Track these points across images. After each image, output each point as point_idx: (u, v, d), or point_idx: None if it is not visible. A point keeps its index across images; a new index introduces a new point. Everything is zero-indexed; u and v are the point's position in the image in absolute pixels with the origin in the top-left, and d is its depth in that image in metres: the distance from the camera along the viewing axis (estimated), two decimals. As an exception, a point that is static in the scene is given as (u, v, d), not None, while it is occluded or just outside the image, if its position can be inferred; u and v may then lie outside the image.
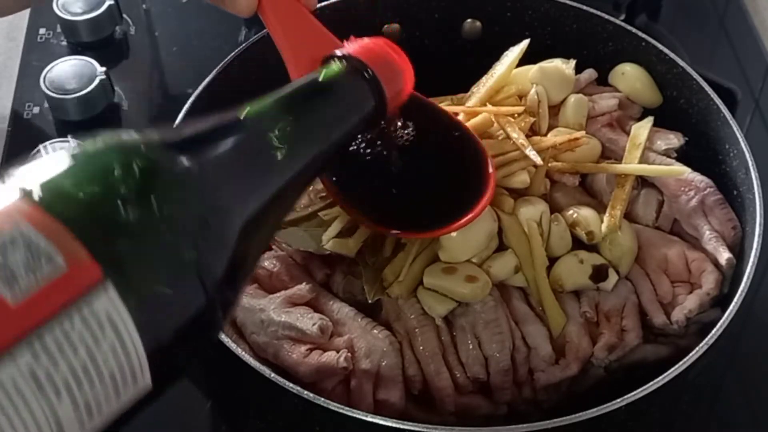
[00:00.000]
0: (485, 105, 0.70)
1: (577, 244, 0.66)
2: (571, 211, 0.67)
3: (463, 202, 0.61)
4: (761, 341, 0.75)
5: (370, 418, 0.55)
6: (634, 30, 0.75)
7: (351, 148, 0.58)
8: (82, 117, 0.86)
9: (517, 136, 0.67)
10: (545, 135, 0.70)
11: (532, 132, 0.70)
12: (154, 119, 0.88)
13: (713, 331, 0.59)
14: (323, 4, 0.76)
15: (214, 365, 0.66)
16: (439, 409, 0.61)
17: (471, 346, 0.62)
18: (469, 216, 0.60)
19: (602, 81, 0.76)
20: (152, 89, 0.92)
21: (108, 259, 0.37)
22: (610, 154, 0.71)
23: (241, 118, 0.47)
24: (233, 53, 0.73)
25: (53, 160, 0.40)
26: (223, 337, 0.58)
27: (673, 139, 0.71)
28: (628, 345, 0.63)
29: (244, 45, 0.73)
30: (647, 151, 0.70)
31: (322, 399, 0.55)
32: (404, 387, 0.61)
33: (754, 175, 0.66)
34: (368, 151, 0.60)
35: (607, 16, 0.76)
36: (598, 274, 0.64)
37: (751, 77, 0.93)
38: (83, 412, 0.36)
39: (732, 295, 0.61)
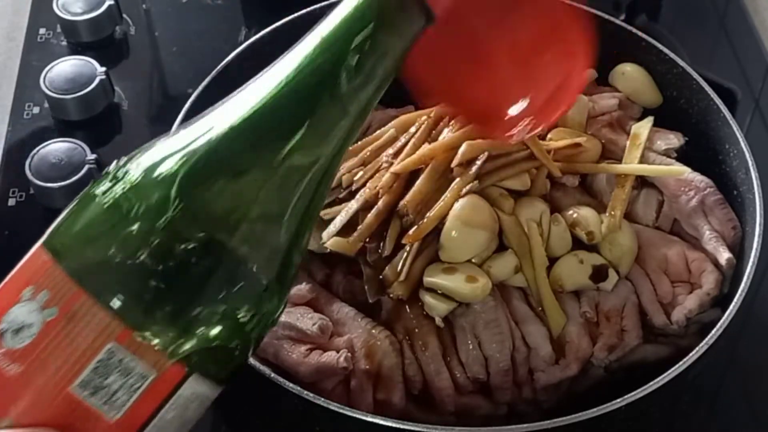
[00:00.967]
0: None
1: (577, 244, 0.66)
2: (571, 212, 0.67)
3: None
4: (761, 341, 0.75)
5: (370, 418, 0.55)
6: (634, 30, 0.75)
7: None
8: (82, 117, 0.86)
9: (537, 149, 0.67)
10: (545, 135, 0.70)
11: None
12: (153, 119, 0.88)
13: (713, 331, 0.59)
14: (323, 4, 0.76)
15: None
16: (439, 409, 0.61)
17: (471, 346, 0.62)
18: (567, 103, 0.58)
19: (602, 81, 0.76)
20: (152, 89, 0.92)
21: (188, 359, 0.42)
22: (610, 154, 0.71)
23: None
24: (233, 53, 0.73)
25: (134, 268, 0.42)
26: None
27: (673, 139, 0.71)
28: (628, 345, 0.63)
29: (244, 45, 0.73)
30: (647, 151, 0.70)
31: (322, 399, 0.55)
32: (404, 387, 0.61)
33: (754, 175, 0.66)
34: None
35: (607, 16, 0.76)
36: (598, 274, 0.64)
37: (751, 77, 0.93)
38: None
39: (732, 295, 0.61)
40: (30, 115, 0.88)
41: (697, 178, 0.68)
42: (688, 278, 0.66)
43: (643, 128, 0.71)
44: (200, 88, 0.70)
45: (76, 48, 0.93)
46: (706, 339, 0.59)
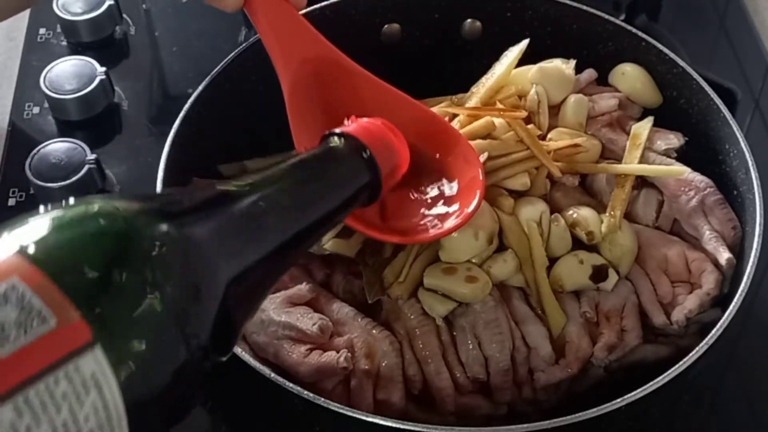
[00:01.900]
0: (487, 105, 0.70)
1: (577, 244, 0.66)
2: (571, 212, 0.67)
3: (455, 207, 0.61)
4: (761, 341, 0.75)
5: (370, 418, 0.55)
6: (634, 30, 0.75)
7: None
8: (82, 117, 0.86)
9: (538, 149, 0.67)
10: (545, 135, 0.70)
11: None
12: (153, 119, 0.88)
13: (713, 331, 0.59)
14: (323, 4, 0.76)
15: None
16: (439, 409, 0.61)
17: (471, 346, 0.62)
18: (458, 222, 0.60)
19: (602, 81, 0.76)
20: (152, 89, 0.92)
21: (98, 321, 0.38)
22: (610, 154, 0.71)
23: (236, 186, 0.47)
24: (233, 53, 0.73)
25: (49, 219, 0.41)
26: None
27: (673, 139, 0.71)
28: (628, 345, 0.63)
29: (244, 45, 0.73)
30: (647, 151, 0.70)
31: (322, 399, 0.55)
32: (404, 387, 0.61)
33: (754, 175, 0.66)
34: None
35: (607, 16, 0.76)
36: (598, 274, 0.65)
37: (751, 77, 0.93)
38: None
39: (732, 295, 0.61)
40: (30, 115, 0.88)
41: (697, 178, 0.68)
42: (688, 278, 0.66)
43: (643, 128, 0.71)
44: (200, 88, 0.70)
45: (76, 48, 0.93)
46: (706, 339, 0.59)
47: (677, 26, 0.99)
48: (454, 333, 0.63)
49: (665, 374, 0.57)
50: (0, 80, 0.92)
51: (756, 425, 0.71)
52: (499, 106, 0.70)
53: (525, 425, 0.55)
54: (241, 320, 0.46)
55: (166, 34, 0.96)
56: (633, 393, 0.56)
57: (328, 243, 0.64)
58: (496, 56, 0.74)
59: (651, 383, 0.56)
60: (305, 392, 0.55)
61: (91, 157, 0.81)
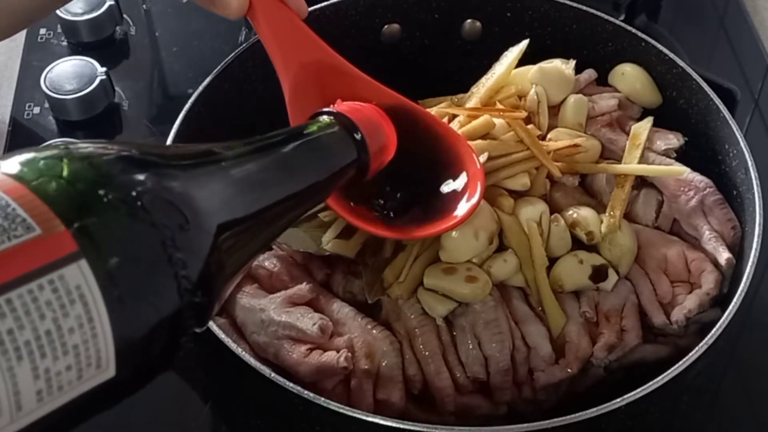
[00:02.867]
0: (487, 105, 0.70)
1: (577, 244, 0.66)
2: (570, 212, 0.67)
3: (454, 205, 0.61)
4: (761, 341, 0.75)
5: (370, 418, 0.55)
6: (633, 30, 0.75)
7: None
8: (82, 117, 0.86)
9: (538, 149, 0.67)
10: (545, 135, 0.70)
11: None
12: (154, 119, 0.88)
13: (713, 331, 0.59)
14: (323, 4, 0.76)
15: (214, 365, 0.66)
16: (439, 409, 0.61)
17: (471, 346, 0.62)
18: (456, 220, 0.61)
19: (602, 81, 0.76)
20: (152, 89, 0.92)
21: (83, 234, 0.38)
22: (609, 154, 0.71)
23: (230, 143, 0.48)
24: (233, 53, 0.73)
25: (40, 148, 0.41)
26: (223, 336, 0.58)
27: (673, 139, 0.71)
28: (628, 345, 0.63)
29: (244, 45, 0.73)
30: (647, 151, 0.70)
31: (322, 399, 0.55)
32: (404, 387, 0.61)
33: (753, 175, 0.66)
34: None
35: (607, 16, 0.76)
36: (598, 274, 0.65)
37: (751, 77, 0.93)
38: (42, 383, 0.36)
39: (732, 295, 0.61)
40: (30, 115, 0.88)
41: (697, 178, 0.68)
42: (687, 278, 0.66)
43: (642, 128, 0.71)
44: (200, 88, 0.70)
45: (77, 48, 0.93)
46: (706, 339, 0.59)
47: (677, 26, 0.99)
48: (454, 333, 0.63)
49: (665, 374, 0.57)
50: (0, 80, 0.92)
51: (756, 425, 0.71)
52: (499, 106, 0.70)
53: (525, 425, 0.55)
54: (225, 274, 0.46)
55: (167, 34, 0.97)
56: (633, 393, 0.56)
57: (329, 244, 0.64)
58: (496, 56, 0.74)
59: (651, 383, 0.56)
60: (305, 392, 0.55)
61: (92, 157, 0.81)
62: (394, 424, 0.54)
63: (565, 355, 0.63)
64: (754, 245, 0.63)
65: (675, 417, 0.70)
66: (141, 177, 0.41)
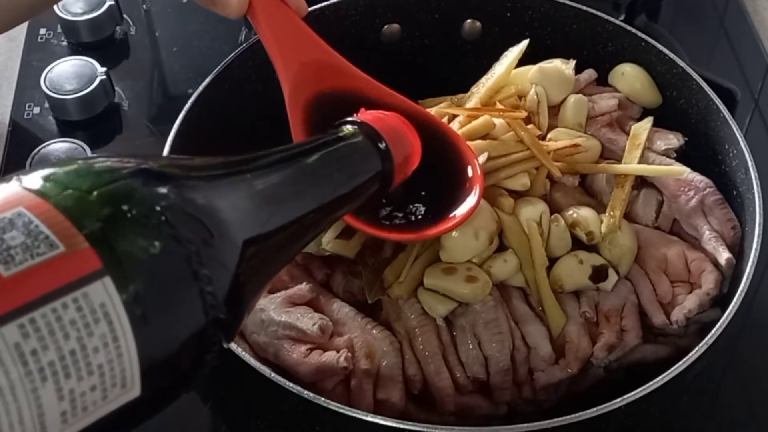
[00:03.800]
0: (487, 105, 0.70)
1: (577, 244, 0.66)
2: (570, 212, 0.67)
3: (454, 207, 0.61)
4: (761, 341, 0.75)
5: (370, 418, 0.55)
6: (633, 30, 0.75)
7: None
8: (82, 117, 0.86)
9: (538, 149, 0.67)
10: (545, 135, 0.70)
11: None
12: (154, 119, 0.88)
13: (713, 331, 0.59)
14: (323, 4, 0.76)
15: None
16: (439, 409, 0.61)
17: (471, 346, 0.62)
18: (456, 221, 0.60)
19: (602, 81, 0.76)
20: (152, 89, 0.92)
21: (107, 250, 0.37)
22: (609, 154, 0.71)
23: (255, 155, 0.47)
24: (233, 53, 0.73)
25: (61, 162, 0.41)
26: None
27: (673, 139, 0.71)
28: (628, 345, 0.63)
29: (244, 45, 0.73)
30: (647, 151, 0.70)
31: (322, 399, 0.55)
32: (404, 387, 0.61)
33: (753, 175, 0.66)
34: None
35: (607, 16, 0.76)
36: (598, 274, 0.65)
37: (751, 77, 0.93)
38: (67, 404, 0.36)
39: (732, 295, 0.61)
40: (30, 115, 0.88)
41: (697, 178, 0.68)
42: (687, 278, 0.66)
43: (642, 128, 0.71)
44: (200, 88, 0.70)
45: (77, 48, 0.93)
46: (706, 339, 0.59)
47: (677, 26, 0.99)
48: (454, 333, 0.63)
49: (665, 374, 0.57)
50: (0, 80, 0.92)
51: (756, 425, 0.71)
52: (499, 106, 0.70)
53: (525, 425, 0.55)
54: (251, 289, 0.45)
55: (166, 34, 0.97)
56: (633, 393, 0.56)
57: (329, 244, 0.64)
58: (496, 56, 0.74)
59: (651, 383, 0.56)
60: (305, 392, 0.55)
61: (92, 157, 0.81)
62: (394, 424, 0.54)
63: (565, 355, 0.63)
64: (754, 245, 0.63)
65: (675, 417, 0.70)
66: (164, 191, 0.41)
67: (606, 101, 0.72)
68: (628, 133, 0.71)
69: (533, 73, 0.71)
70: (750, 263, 0.62)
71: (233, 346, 0.58)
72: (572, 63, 0.73)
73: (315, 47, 0.65)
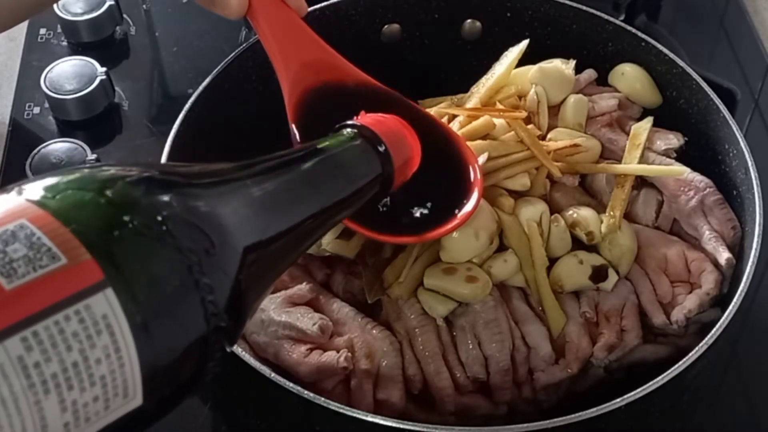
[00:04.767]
0: (487, 105, 0.70)
1: (577, 244, 0.66)
2: (570, 212, 0.67)
3: (453, 208, 0.61)
4: (761, 341, 0.75)
5: (370, 418, 0.55)
6: (633, 30, 0.75)
7: None
8: (82, 117, 0.86)
9: (538, 150, 0.67)
10: (545, 135, 0.70)
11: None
12: (154, 119, 0.88)
13: (713, 331, 0.59)
14: (323, 4, 0.76)
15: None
16: (439, 409, 0.61)
17: (471, 346, 0.62)
18: (456, 223, 0.60)
19: (602, 81, 0.76)
20: (152, 89, 0.92)
21: (108, 261, 0.37)
22: (609, 154, 0.71)
23: (254, 161, 0.48)
24: (233, 53, 0.73)
25: (62, 173, 0.41)
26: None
27: (673, 139, 0.71)
28: (628, 345, 0.63)
29: (244, 45, 0.73)
30: (647, 151, 0.70)
31: (322, 399, 0.55)
32: (404, 387, 0.61)
33: (753, 175, 0.66)
34: None
35: (606, 17, 0.76)
36: (598, 274, 0.65)
37: (751, 77, 0.93)
38: (70, 416, 0.36)
39: (732, 295, 0.61)
40: (30, 115, 0.88)
41: (697, 178, 0.68)
42: (687, 278, 0.66)
43: (642, 128, 0.71)
44: (200, 88, 0.70)
45: (77, 48, 0.93)
46: (706, 339, 0.59)
47: (677, 26, 0.99)
48: (454, 333, 0.63)
49: (665, 374, 0.57)
50: (0, 80, 0.92)
51: (756, 425, 0.71)
52: (499, 106, 0.70)
53: (525, 425, 0.55)
54: (253, 296, 0.45)
55: (166, 34, 0.97)
56: (633, 393, 0.56)
57: (329, 244, 0.64)
58: (496, 56, 0.74)
59: (651, 383, 0.56)
60: (305, 392, 0.55)
61: (92, 157, 0.81)
62: (394, 424, 0.54)
63: (565, 355, 0.63)
64: (754, 245, 0.63)
65: (675, 417, 0.70)
66: (166, 200, 0.41)
67: (606, 101, 0.72)
68: (628, 133, 0.71)
69: (533, 73, 0.71)
70: (750, 263, 0.62)
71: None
72: (572, 63, 0.73)
73: (315, 47, 0.65)
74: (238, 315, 0.44)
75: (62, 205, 0.38)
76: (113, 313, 0.37)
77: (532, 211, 0.65)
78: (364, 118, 0.55)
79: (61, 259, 0.36)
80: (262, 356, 0.62)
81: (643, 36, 0.75)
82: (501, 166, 0.66)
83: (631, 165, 0.69)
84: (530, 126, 0.69)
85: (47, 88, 0.86)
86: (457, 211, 0.61)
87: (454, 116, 0.70)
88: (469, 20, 0.80)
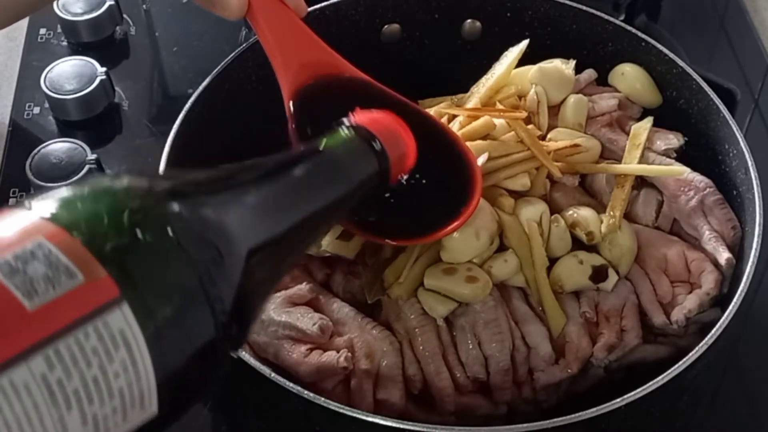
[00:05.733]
0: (487, 105, 0.70)
1: (577, 244, 0.66)
2: (570, 212, 0.67)
3: (453, 208, 0.61)
4: (761, 341, 0.75)
5: (370, 418, 0.55)
6: (633, 30, 0.75)
7: None
8: (82, 117, 0.86)
9: (538, 150, 0.67)
10: (545, 135, 0.70)
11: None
12: (154, 119, 0.88)
13: (713, 331, 0.59)
14: (323, 4, 0.76)
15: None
16: (439, 409, 0.61)
17: (471, 346, 0.62)
18: (456, 223, 0.60)
19: (602, 81, 0.76)
20: (152, 89, 0.92)
21: (124, 279, 0.38)
22: (609, 154, 0.71)
23: (254, 163, 0.48)
24: (233, 53, 0.73)
25: (74, 188, 0.41)
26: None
27: (673, 139, 0.71)
28: (628, 345, 0.63)
29: (244, 45, 0.73)
30: (647, 151, 0.70)
31: (322, 399, 0.55)
32: (404, 387, 0.61)
33: (753, 175, 0.66)
34: None
35: (607, 17, 0.76)
36: (598, 274, 0.65)
37: (751, 77, 0.93)
38: (90, 428, 0.37)
39: (732, 295, 0.61)
40: (30, 115, 0.88)
41: (697, 178, 0.68)
42: (687, 278, 0.66)
43: (642, 128, 0.71)
44: (200, 88, 0.70)
45: (77, 48, 0.93)
46: (706, 339, 0.59)
47: (677, 26, 0.99)
48: (454, 333, 0.63)
49: (665, 374, 0.57)
50: (0, 80, 0.92)
51: (756, 425, 0.71)
52: (499, 106, 0.70)
53: (525, 425, 0.55)
54: (258, 300, 0.46)
55: (166, 34, 0.97)
56: (633, 393, 0.56)
57: (329, 245, 0.64)
58: (496, 56, 0.74)
59: (651, 383, 0.56)
60: (305, 392, 0.55)
61: (92, 157, 0.81)
62: (394, 424, 0.54)
63: (565, 355, 0.63)
64: (754, 245, 0.63)
65: (675, 417, 0.70)
66: (176, 212, 0.42)
67: (606, 101, 0.72)
68: (628, 133, 0.71)
69: (533, 73, 0.71)
70: (750, 263, 0.62)
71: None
72: (572, 63, 0.73)
73: (315, 47, 0.65)
74: (246, 320, 0.45)
75: (76, 220, 0.39)
76: (129, 327, 0.38)
77: (533, 211, 0.65)
78: (358, 117, 0.55)
79: (78, 277, 0.37)
80: (262, 356, 0.62)
81: (643, 36, 0.75)
82: (501, 166, 0.66)
83: (631, 165, 0.69)
84: (530, 126, 0.69)
85: (47, 88, 0.86)
86: (457, 211, 0.61)
87: (454, 116, 0.70)
88: (469, 20, 0.80)
